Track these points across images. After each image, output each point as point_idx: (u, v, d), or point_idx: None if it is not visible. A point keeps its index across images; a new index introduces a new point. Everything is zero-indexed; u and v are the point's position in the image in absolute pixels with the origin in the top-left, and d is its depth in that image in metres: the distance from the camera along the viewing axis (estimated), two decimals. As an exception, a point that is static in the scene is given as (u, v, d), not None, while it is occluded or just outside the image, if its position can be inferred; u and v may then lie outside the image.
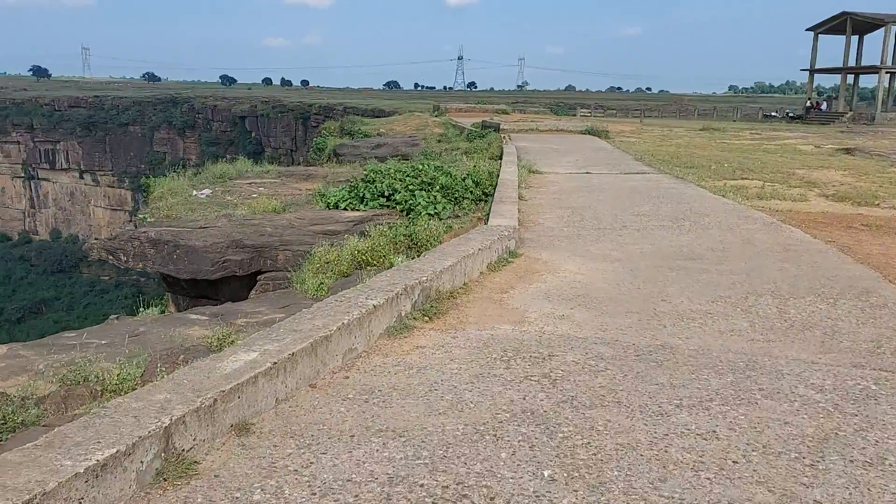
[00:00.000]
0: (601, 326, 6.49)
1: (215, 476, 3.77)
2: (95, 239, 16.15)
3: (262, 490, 3.66)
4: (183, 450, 3.84)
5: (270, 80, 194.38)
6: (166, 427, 3.71)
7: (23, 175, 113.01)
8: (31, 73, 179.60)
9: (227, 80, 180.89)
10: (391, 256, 10.76)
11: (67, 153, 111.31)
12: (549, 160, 21.41)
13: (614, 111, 69.12)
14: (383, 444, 4.20)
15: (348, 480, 3.77)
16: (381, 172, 18.27)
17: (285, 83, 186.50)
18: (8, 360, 8.83)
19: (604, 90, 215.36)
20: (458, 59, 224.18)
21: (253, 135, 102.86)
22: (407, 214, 16.00)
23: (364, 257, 11.11)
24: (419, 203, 16.13)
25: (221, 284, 15.47)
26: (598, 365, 5.54)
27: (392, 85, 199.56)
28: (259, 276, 14.79)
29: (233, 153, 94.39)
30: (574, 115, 54.42)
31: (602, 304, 7.18)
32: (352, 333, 5.48)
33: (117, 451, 3.41)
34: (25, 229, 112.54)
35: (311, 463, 3.95)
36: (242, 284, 15.27)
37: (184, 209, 17.73)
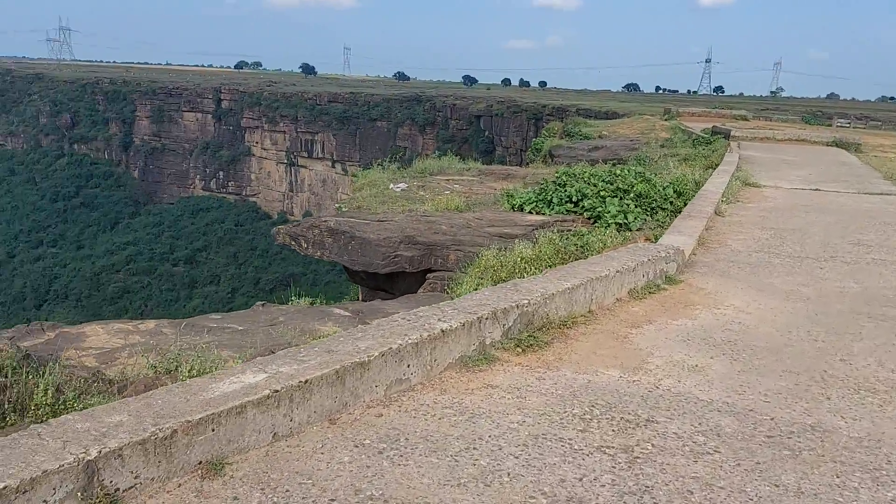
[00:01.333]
0: (739, 387, 5.01)
1: (138, 529, 3.13)
2: (282, 224, 16.76)
3: (173, 558, 2.95)
4: (116, 489, 3.24)
5: (509, 80, 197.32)
6: (90, 461, 3.13)
7: (285, 161, 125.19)
8: (300, 70, 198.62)
9: (469, 80, 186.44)
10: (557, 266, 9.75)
11: (323, 144, 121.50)
12: (775, 172, 18.80)
13: (879, 123, 60.64)
14: (361, 517, 3.30)
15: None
16: (574, 175, 17.11)
17: (523, 84, 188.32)
18: (148, 337, 9.08)
19: (873, 100, 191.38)
20: (706, 61, 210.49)
21: (486, 133, 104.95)
22: (594, 222, 14.76)
23: (526, 265, 10.18)
24: (608, 211, 14.79)
25: (396, 279, 15.32)
26: (707, 444, 4.17)
27: (631, 87, 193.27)
28: (428, 274, 14.41)
29: (466, 151, 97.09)
30: (829, 126, 48.47)
31: (756, 355, 5.63)
32: (403, 361, 4.62)
33: (5, 488, 2.87)
34: (284, 210, 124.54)
35: (258, 529, 3.18)
36: (416, 280, 14.99)
37: (375, 201, 17.86)
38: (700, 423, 4.43)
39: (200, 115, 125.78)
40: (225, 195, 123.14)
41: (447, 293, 11.73)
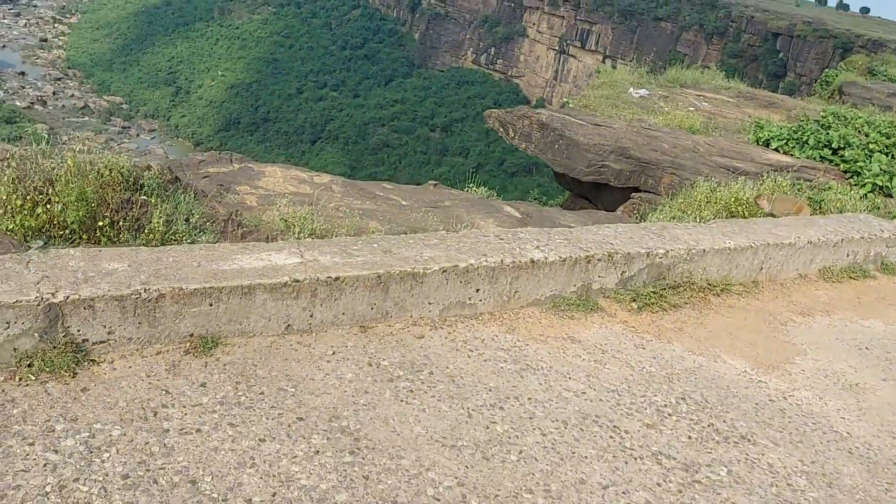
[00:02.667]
0: (901, 431, 3.74)
1: (83, 390, 2.90)
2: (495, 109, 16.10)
3: (89, 437, 2.67)
4: (85, 340, 3.03)
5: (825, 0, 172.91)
6: (53, 304, 2.92)
7: (557, 48, 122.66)
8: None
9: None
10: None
11: (599, 36, 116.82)
12: None
13: None
14: (311, 456, 2.81)
15: (171, 484, 2.55)
16: (843, 118, 14.55)
17: (841, 7, 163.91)
18: (316, 190, 9.15)
19: None
20: None
21: (780, 55, 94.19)
22: (850, 178, 12.51)
23: (740, 209, 8.85)
24: (870, 168, 12.44)
25: (601, 190, 14.26)
26: (806, 492, 3.11)
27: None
28: (634, 194, 13.16)
29: (752, 71, 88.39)
30: None
31: (952, 396, 4.21)
32: (470, 284, 3.96)
33: (-50, 308, 2.73)
34: (543, 97, 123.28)
35: (197, 430, 2.80)
36: (622, 197, 13.84)
37: (606, 103, 16.56)
38: (813, 462, 3.34)
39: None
40: (491, 71, 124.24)
41: (636, 218, 10.60)
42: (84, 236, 5.34)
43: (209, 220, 6.23)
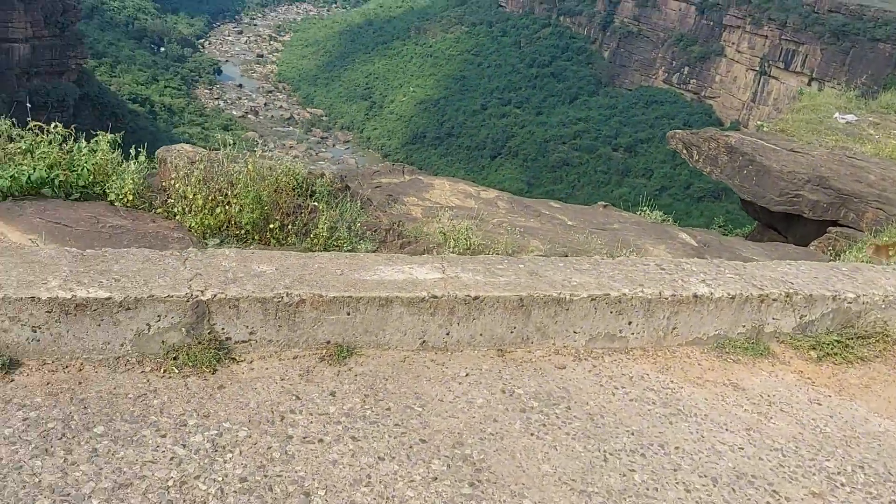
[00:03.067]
0: None
1: (220, 387, 2.96)
2: (680, 130, 15.28)
3: (216, 435, 2.71)
4: (228, 338, 3.11)
5: None
6: (201, 301, 3.01)
7: (757, 69, 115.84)
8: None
9: None
10: None
11: (805, 57, 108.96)
12: None
13: None
14: (428, 482, 2.68)
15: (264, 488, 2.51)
16: None
17: None
18: (481, 205, 9.15)
19: None
20: None
21: None
22: None
23: None
24: None
25: (792, 222, 13.14)
26: None
27: None
28: (831, 228, 11.96)
29: None
30: None
31: None
32: (622, 315, 3.67)
33: (108, 299, 2.89)
34: (738, 119, 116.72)
35: (320, 440, 2.76)
36: (816, 230, 12.67)
37: (806, 128, 15.26)
38: None
39: (685, 4, 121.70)
40: (683, 91, 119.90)
41: (830, 255, 9.59)
42: (256, 237, 5.62)
43: (371, 229, 6.35)
